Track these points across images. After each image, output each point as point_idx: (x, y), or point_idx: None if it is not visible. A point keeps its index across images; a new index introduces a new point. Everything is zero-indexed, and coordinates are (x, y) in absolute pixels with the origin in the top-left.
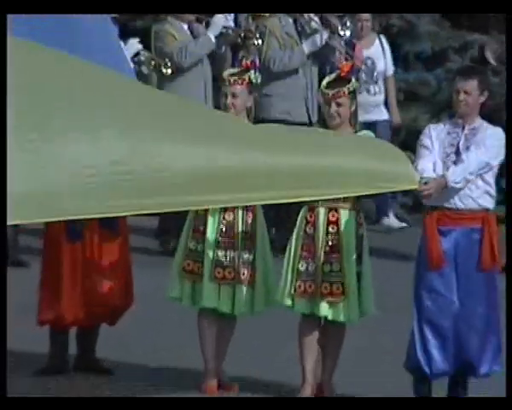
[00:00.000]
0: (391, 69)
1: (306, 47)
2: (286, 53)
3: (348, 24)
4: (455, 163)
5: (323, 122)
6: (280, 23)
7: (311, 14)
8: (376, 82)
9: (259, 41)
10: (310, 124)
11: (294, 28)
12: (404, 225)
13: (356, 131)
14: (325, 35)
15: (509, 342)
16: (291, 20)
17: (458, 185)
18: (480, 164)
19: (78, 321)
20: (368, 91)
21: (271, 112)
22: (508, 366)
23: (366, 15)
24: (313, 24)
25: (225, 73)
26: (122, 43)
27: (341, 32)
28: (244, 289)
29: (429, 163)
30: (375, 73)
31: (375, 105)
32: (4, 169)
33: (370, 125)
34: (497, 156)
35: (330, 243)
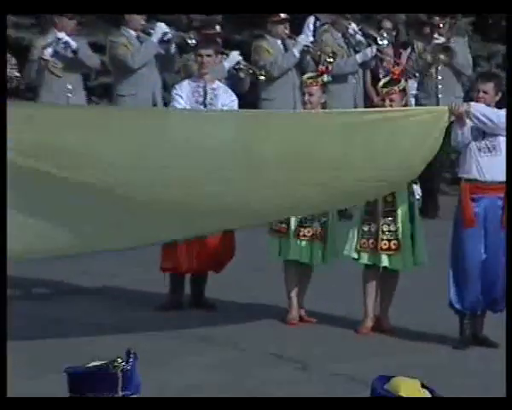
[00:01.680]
0: None
1: (359, 58)
2: (340, 62)
3: (385, 34)
4: None
5: None
6: (332, 37)
7: (356, 28)
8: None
9: (330, 54)
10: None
11: (343, 41)
12: None
13: None
14: (374, 48)
15: (508, 341)
16: (340, 34)
17: (475, 118)
18: (495, 117)
19: (191, 269)
20: None
21: None
22: (508, 366)
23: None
24: (358, 37)
25: (304, 77)
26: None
27: (380, 42)
28: (319, 244)
29: None
30: None
31: None
32: (4, 173)
33: None
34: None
35: (388, 209)
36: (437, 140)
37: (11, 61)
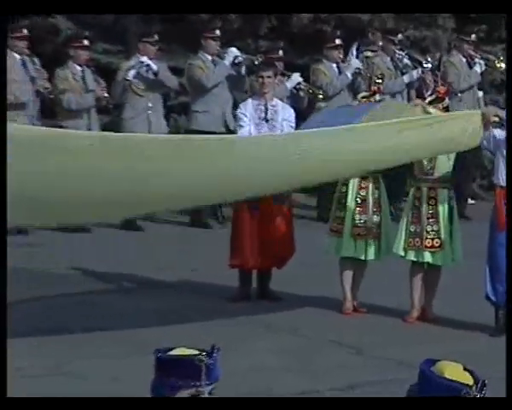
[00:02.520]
0: None
1: (406, 78)
2: (389, 82)
3: (429, 59)
4: None
5: None
6: (382, 61)
7: (403, 53)
8: None
9: (379, 75)
10: None
11: (392, 64)
12: (473, 202)
13: None
14: (419, 70)
15: (509, 342)
16: (389, 58)
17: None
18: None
19: (257, 265)
20: None
21: None
22: (508, 366)
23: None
24: (405, 60)
25: (359, 96)
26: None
27: (424, 65)
28: (373, 243)
29: None
30: None
31: None
32: (4, 171)
33: None
34: None
35: (431, 212)
36: (471, 135)
37: (101, 83)
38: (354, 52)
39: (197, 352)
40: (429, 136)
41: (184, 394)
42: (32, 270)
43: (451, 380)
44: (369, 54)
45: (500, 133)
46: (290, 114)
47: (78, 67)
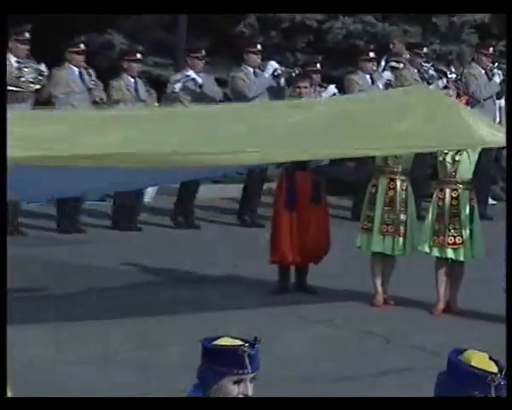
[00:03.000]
0: None
1: (432, 88)
2: None
3: (453, 69)
4: None
5: None
6: (409, 72)
7: (428, 65)
8: None
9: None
10: None
11: (418, 75)
12: (495, 202)
13: None
14: (444, 80)
15: (509, 342)
16: (416, 70)
17: None
18: None
19: (295, 261)
20: None
21: None
22: (508, 366)
23: None
24: (430, 72)
25: None
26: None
27: (449, 76)
28: (400, 239)
29: None
30: None
31: None
32: (4, 167)
33: None
34: None
35: (453, 212)
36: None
37: (152, 94)
38: (383, 64)
39: (240, 342)
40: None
41: (229, 380)
42: (87, 265)
43: (478, 368)
44: (395, 64)
45: None
46: None
47: (131, 79)
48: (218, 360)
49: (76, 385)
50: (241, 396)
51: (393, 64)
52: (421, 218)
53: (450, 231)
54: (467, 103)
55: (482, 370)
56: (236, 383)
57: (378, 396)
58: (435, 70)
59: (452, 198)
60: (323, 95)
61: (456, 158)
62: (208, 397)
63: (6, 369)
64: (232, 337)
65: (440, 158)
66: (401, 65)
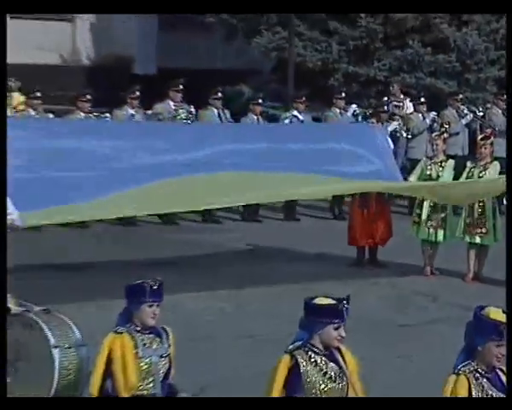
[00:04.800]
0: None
1: (464, 121)
2: (454, 126)
3: (480, 109)
4: None
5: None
6: (449, 112)
7: (463, 107)
8: None
9: (446, 122)
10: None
11: (456, 114)
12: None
13: (491, 161)
14: (472, 116)
15: (509, 342)
16: (454, 111)
17: None
18: None
19: (367, 243)
20: None
21: None
22: (508, 366)
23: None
24: (465, 111)
25: (433, 134)
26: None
27: (478, 113)
28: (440, 231)
29: None
30: None
31: None
32: (4, 169)
33: None
34: None
35: (480, 210)
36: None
37: None
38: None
39: (333, 301)
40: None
41: (331, 327)
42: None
43: (494, 320)
44: (395, 104)
45: None
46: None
47: (255, 117)
48: (322, 314)
49: None
50: (339, 338)
51: (395, 103)
52: (456, 214)
53: (477, 223)
54: (491, 134)
55: (498, 321)
56: (336, 329)
57: (418, 350)
58: (468, 109)
59: (479, 202)
60: (388, 128)
61: (481, 175)
62: (208, 397)
63: (6, 369)
64: (324, 297)
65: (470, 174)
66: (401, 103)
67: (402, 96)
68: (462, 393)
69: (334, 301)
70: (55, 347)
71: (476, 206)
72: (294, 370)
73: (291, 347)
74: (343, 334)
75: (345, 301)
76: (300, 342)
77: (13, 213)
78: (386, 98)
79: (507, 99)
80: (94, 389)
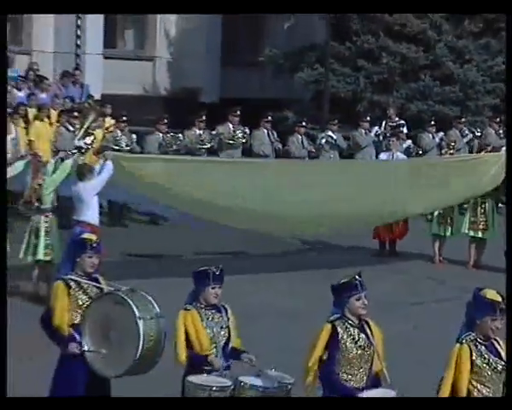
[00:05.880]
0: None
1: (465, 139)
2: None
3: (479, 129)
4: None
5: None
6: (454, 132)
7: (465, 128)
8: None
9: (452, 141)
10: None
11: (460, 134)
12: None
13: None
14: (471, 135)
15: (509, 342)
16: (458, 132)
17: None
18: None
19: (387, 237)
20: None
21: None
22: (508, 366)
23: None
24: (466, 132)
25: (443, 151)
26: None
27: (477, 134)
28: (449, 227)
29: None
30: None
31: None
32: (4, 170)
33: None
34: None
35: (482, 210)
36: (494, 176)
37: (311, 144)
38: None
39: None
40: (458, 180)
41: (354, 299)
42: None
43: (491, 299)
44: (390, 124)
45: None
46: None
47: (299, 136)
48: (343, 290)
49: None
50: (363, 306)
51: (390, 124)
52: (461, 214)
53: (480, 220)
54: (487, 152)
55: (493, 300)
56: (358, 299)
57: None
58: (469, 130)
59: (482, 202)
60: (403, 146)
61: None
62: (208, 397)
63: (6, 369)
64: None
65: None
66: (394, 123)
67: (397, 119)
68: (465, 357)
69: (348, 279)
70: (140, 318)
71: (479, 207)
72: (334, 336)
73: (332, 318)
74: (365, 302)
75: (357, 276)
76: (338, 315)
77: None
78: (402, 121)
79: (506, 98)
80: (181, 358)
